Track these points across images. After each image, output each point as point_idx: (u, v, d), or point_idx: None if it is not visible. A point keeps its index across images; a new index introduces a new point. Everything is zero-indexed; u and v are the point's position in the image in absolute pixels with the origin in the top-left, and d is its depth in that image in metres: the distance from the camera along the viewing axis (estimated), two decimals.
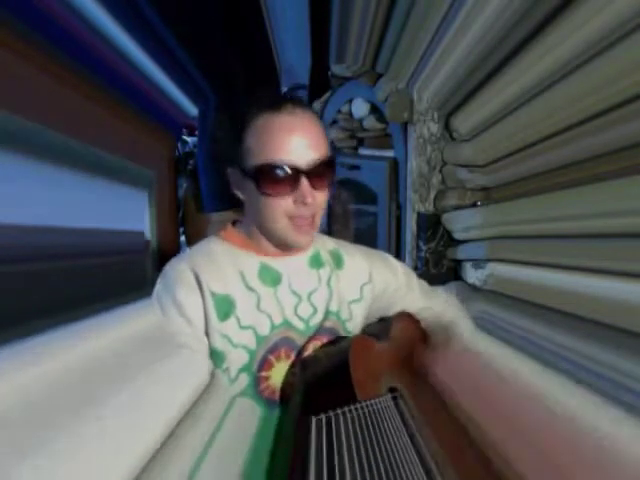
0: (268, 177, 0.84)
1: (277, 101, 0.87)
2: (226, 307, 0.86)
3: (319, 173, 0.86)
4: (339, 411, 0.75)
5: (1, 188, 0.68)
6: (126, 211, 1.12)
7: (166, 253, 1.83)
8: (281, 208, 0.85)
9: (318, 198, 0.87)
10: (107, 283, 0.93)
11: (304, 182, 0.85)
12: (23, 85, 0.76)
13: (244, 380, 0.87)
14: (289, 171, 0.84)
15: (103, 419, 0.65)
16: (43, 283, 0.74)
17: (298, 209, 0.86)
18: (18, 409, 0.57)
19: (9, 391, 0.58)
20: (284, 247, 0.92)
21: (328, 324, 0.95)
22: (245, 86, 1.99)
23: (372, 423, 0.76)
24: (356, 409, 0.76)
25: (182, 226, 2.46)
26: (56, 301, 0.76)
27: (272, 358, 0.89)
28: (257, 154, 0.85)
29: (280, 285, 0.92)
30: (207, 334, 0.85)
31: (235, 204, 0.96)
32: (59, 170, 0.82)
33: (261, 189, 0.85)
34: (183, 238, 2.49)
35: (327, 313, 0.95)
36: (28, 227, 0.72)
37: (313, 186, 0.86)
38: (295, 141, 0.84)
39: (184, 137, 3.37)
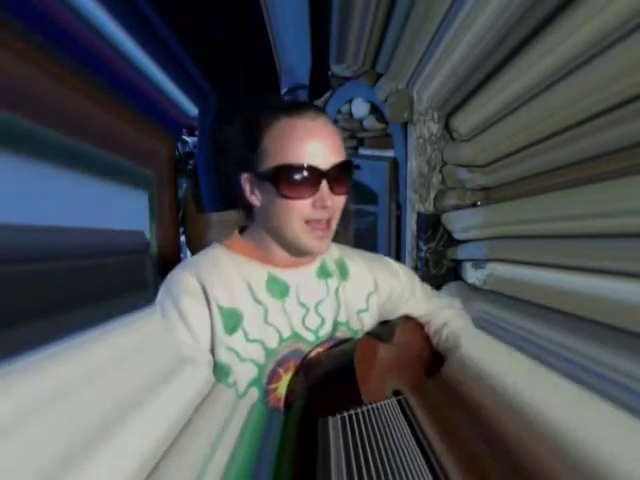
0: (288, 179, 0.83)
1: (298, 106, 0.87)
2: (233, 320, 0.85)
3: (339, 177, 0.85)
4: (345, 414, 0.75)
5: (0, 188, 0.67)
6: (126, 211, 1.12)
7: (166, 253, 1.83)
8: (299, 211, 0.84)
9: (336, 202, 0.87)
10: (107, 283, 0.93)
11: (324, 185, 0.84)
12: (23, 85, 0.76)
13: (254, 394, 0.86)
14: (310, 173, 0.83)
15: (104, 426, 0.65)
16: (42, 283, 0.74)
17: (316, 212, 0.85)
18: (17, 416, 0.57)
19: (7, 398, 0.57)
20: (297, 253, 0.90)
21: (338, 335, 0.94)
22: (245, 86, 1.99)
23: (377, 426, 0.76)
24: (362, 412, 0.76)
25: (182, 226, 2.46)
26: (56, 301, 0.75)
27: (281, 370, 0.88)
28: (276, 156, 0.84)
29: (288, 297, 0.90)
30: (212, 347, 0.84)
31: (235, 204, 0.95)
32: (59, 170, 0.82)
33: (280, 191, 0.83)
34: (183, 238, 2.49)
35: (336, 324, 0.95)
36: (27, 227, 0.72)
37: (332, 190, 0.85)
38: (317, 144, 0.84)
39: (184, 137, 3.37)
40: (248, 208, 0.91)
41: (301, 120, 0.84)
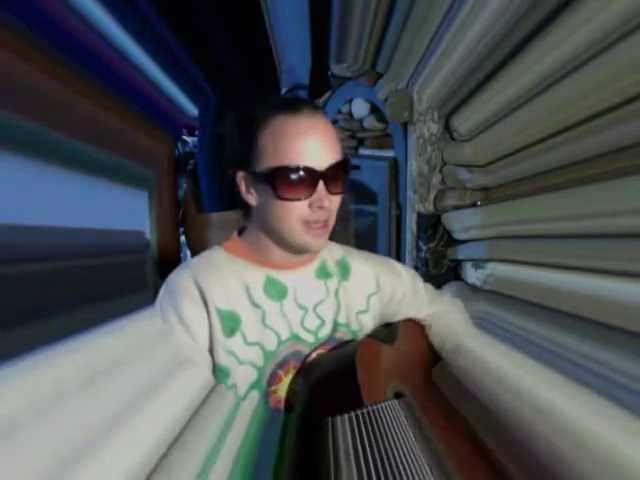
0: (285, 180, 0.82)
1: (294, 103, 0.85)
2: (232, 323, 0.85)
3: (335, 177, 0.84)
4: (345, 415, 0.75)
5: (0, 188, 0.67)
6: (126, 211, 1.12)
7: (166, 253, 1.83)
8: (296, 212, 0.83)
9: (333, 202, 0.86)
10: (107, 283, 0.93)
11: (321, 186, 0.83)
12: (23, 85, 0.76)
13: (255, 396, 0.86)
14: (307, 174, 0.82)
15: (104, 428, 0.65)
16: (42, 283, 0.74)
17: (314, 213, 0.84)
18: (17, 416, 0.57)
19: (7, 399, 0.57)
20: (294, 251, 0.90)
21: (338, 335, 0.94)
22: (245, 86, 1.99)
23: (378, 427, 0.75)
24: (362, 413, 0.76)
25: (182, 226, 2.45)
26: (55, 301, 0.75)
27: (281, 372, 0.88)
28: (273, 156, 0.83)
29: (286, 299, 0.90)
30: (211, 349, 0.84)
31: (235, 205, 0.95)
32: (59, 170, 0.82)
33: (277, 193, 0.82)
34: (183, 238, 2.49)
35: (336, 325, 0.94)
36: (27, 227, 0.72)
37: (329, 190, 0.84)
38: (313, 144, 0.82)
39: (184, 137, 3.36)
40: (245, 206, 0.91)
41: (297, 119, 0.83)
